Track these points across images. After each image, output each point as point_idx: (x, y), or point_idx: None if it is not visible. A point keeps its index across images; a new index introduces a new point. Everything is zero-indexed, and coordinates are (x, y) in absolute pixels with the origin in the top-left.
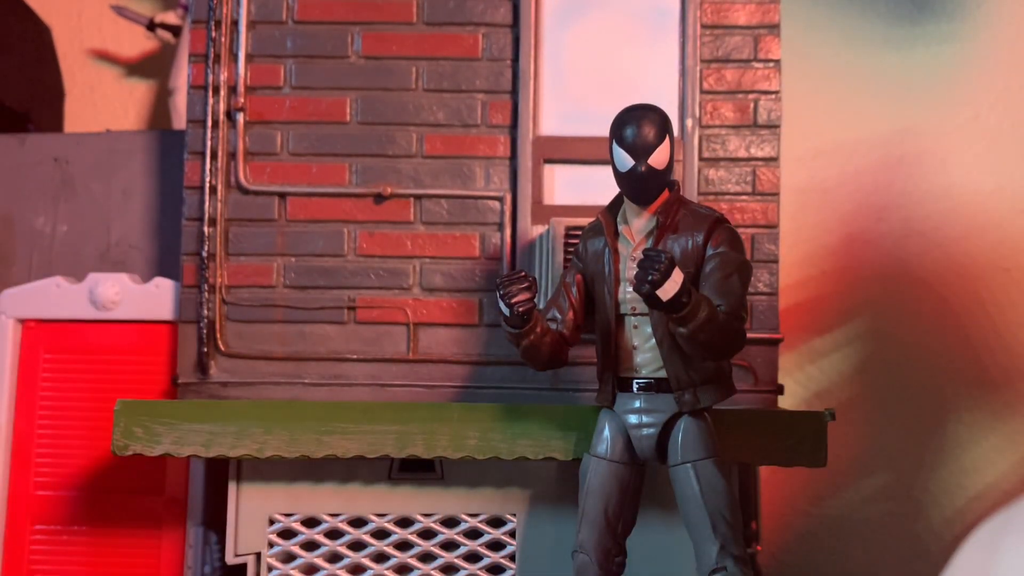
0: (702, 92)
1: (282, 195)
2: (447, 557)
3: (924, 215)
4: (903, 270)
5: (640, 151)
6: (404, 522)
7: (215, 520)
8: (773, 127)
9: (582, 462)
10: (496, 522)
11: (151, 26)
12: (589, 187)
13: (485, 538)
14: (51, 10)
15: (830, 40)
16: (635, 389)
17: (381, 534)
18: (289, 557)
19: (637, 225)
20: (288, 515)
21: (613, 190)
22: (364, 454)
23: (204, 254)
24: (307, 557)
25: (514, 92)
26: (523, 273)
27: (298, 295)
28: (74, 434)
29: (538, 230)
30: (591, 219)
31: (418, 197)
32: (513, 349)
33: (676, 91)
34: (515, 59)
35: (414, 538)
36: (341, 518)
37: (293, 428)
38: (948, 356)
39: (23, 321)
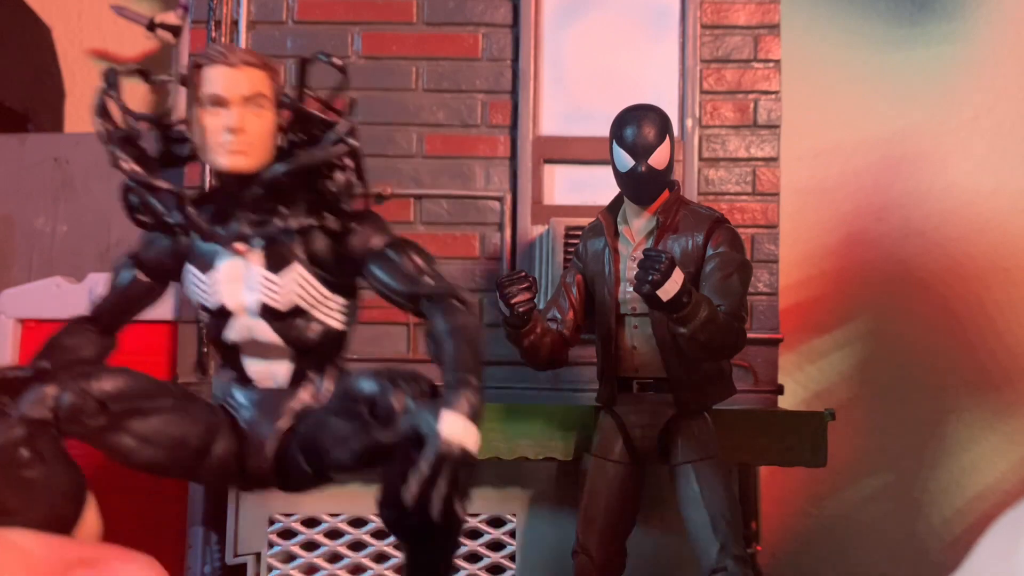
0: (702, 92)
1: None
2: None
3: (924, 215)
4: (903, 270)
5: (640, 151)
6: None
7: (215, 520)
8: (773, 127)
9: (582, 462)
10: (496, 522)
11: (151, 26)
12: (589, 187)
13: (485, 538)
14: (51, 10)
15: (830, 40)
16: (635, 389)
17: (381, 534)
18: (289, 557)
19: (637, 225)
20: (288, 515)
21: (613, 190)
22: None
23: None
24: (307, 557)
25: (514, 92)
26: (523, 273)
27: None
28: None
29: (538, 230)
30: (591, 219)
31: (418, 197)
32: (513, 349)
33: (676, 91)
34: (515, 59)
35: None
36: (341, 518)
37: None
38: (948, 356)
39: (23, 321)
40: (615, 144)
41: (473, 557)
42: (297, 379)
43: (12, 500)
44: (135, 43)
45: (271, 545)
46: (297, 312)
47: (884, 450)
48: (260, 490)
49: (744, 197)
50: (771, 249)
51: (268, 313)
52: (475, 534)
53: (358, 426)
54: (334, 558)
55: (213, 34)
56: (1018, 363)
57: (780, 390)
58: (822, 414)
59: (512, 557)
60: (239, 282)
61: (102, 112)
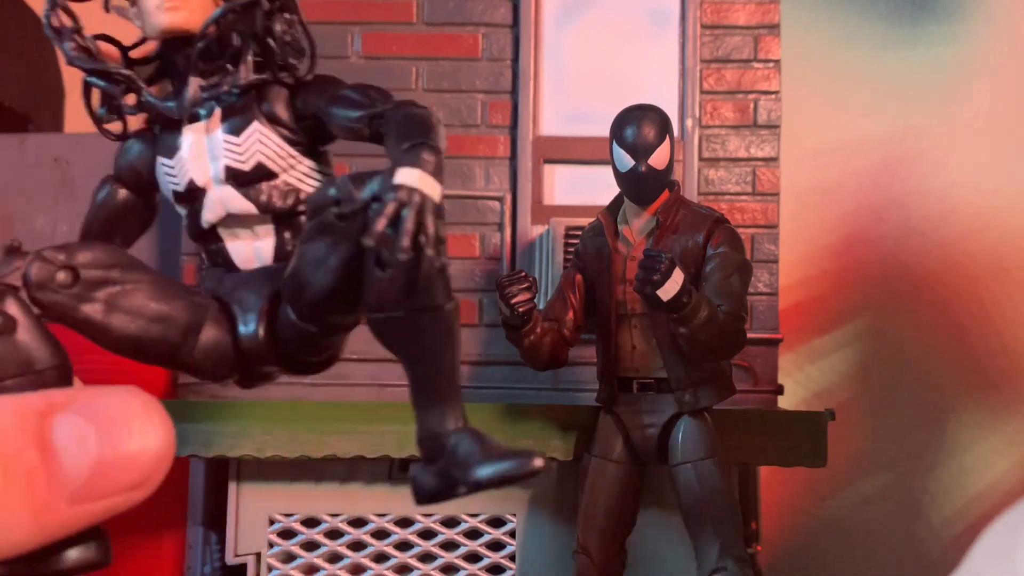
0: (702, 92)
1: None
2: (447, 557)
3: (924, 215)
4: (903, 270)
5: (640, 151)
6: (404, 522)
7: (215, 520)
8: (773, 127)
9: (582, 462)
10: (496, 522)
11: None
12: (589, 187)
13: (485, 538)
14: None
15: (830, 41)
16: (635, 389)
17: (381, 534)
18: (289, 557)
19: (637, 225)
20: (288, 515)
21: (613, 190)
22: (364, 454)
23: (204, 254)
24: (307, 557)
25: (514, 92)
26: (523, 273)
27: None
28: None
29: (538, 230)
30: (591, 219)
31: None
32: (513, 349)
33: (676, 91)
34: (515, 59)
35: (414, 538)
36: (341, 518)
37: (293, 428)
38: (948, 356)
39: None
40: (615, 144)
41: (473, 557)
42: (281, 254)
43: None
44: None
45: (271, 545)
46: (264, 173)
47: (884, 450)
48: (264, 369)
49: (744, 197)
50: (771, 249)
51: (234, 178)
52: (475, 534)
53: (330, 240)
54: (334, 558)
55: None
56: (1018, 363)
57: (780, 390)
58: (822, 414)
59: (512, 557)
60: (204, 155)
61: (52, 5)
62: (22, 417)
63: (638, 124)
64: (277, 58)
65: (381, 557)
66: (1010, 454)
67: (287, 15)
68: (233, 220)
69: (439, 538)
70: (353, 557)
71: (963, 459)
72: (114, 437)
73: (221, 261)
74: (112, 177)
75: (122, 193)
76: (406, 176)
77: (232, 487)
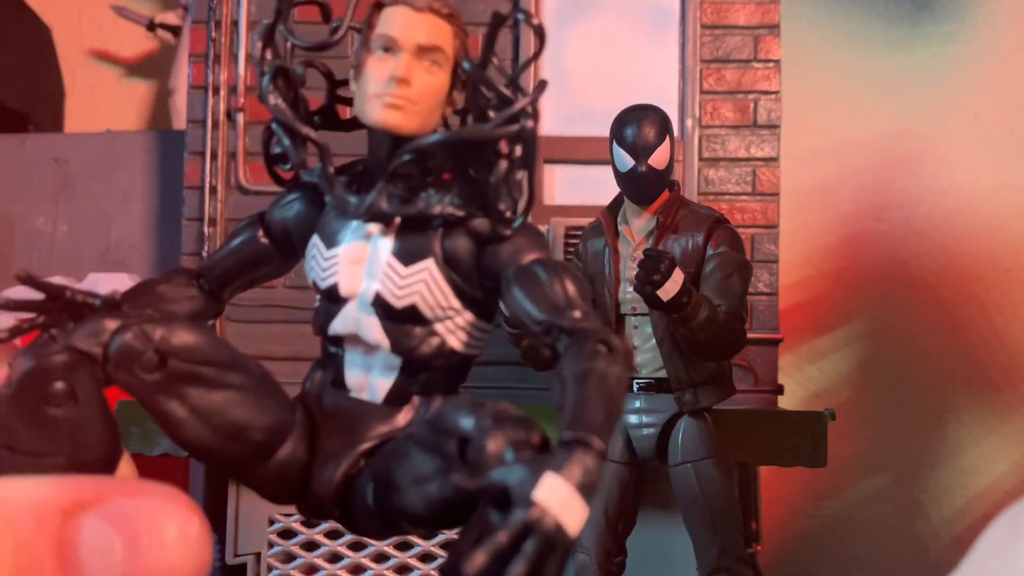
0: (702, 92)
1: None
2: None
3: (924, 215)
4: (903, 270)
5: (640, 151)
6: None
7: (215, 520)
8: (773, 127)
9: None
10: None
11: (151, 26)
12: (589, 187)
13: None
14: (51, 10)
15: (830, 40)
16: (635, 389)
17: None
18: (289, 557)
19: (637, 225)
20: (288, 515)
21: (613, 190)
22: None
23: (204, 254)
24: (307, 557)
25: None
26: None
27: (299, 295)
28: None
29: None
30: (591, 219)
31: None
32: (513, 349)
33: (676, 91)
34: (515, 59)
35: (414, 538)
36: None
37: None
38: (948, 356)
39: (23, 321)
40: (615, 144)
41: None
42: (396, 397)
43: (27, 439)
44: (135, 43)
45: (271, 545)
46: (414, 316)
47: (884, 450)
48: (318, 517)
49: (744, 197)
50: (771, 249)
51: (381, 308)
52: None
53: (441, 467)
54: (334, 558)
55: (213, 34)
56: (1018, 363)
57: (780, 390)
58: (822, 414)
59: None
60: (360, 264)
61: (267, 36)
62: (43, 516)
63: (638, 124)
64: (489, 200)
65: (381, 557)
66: (1010, 454)
67: (515, 155)
68: (362, 344)
69: (439, 538)
70: (353, 557)
71: (963, 459)
72: (143, 554)
73: (332, 369)
74: (260, 220)
75: (263, 243)
76: (550, 492)
77: (232, 488)
